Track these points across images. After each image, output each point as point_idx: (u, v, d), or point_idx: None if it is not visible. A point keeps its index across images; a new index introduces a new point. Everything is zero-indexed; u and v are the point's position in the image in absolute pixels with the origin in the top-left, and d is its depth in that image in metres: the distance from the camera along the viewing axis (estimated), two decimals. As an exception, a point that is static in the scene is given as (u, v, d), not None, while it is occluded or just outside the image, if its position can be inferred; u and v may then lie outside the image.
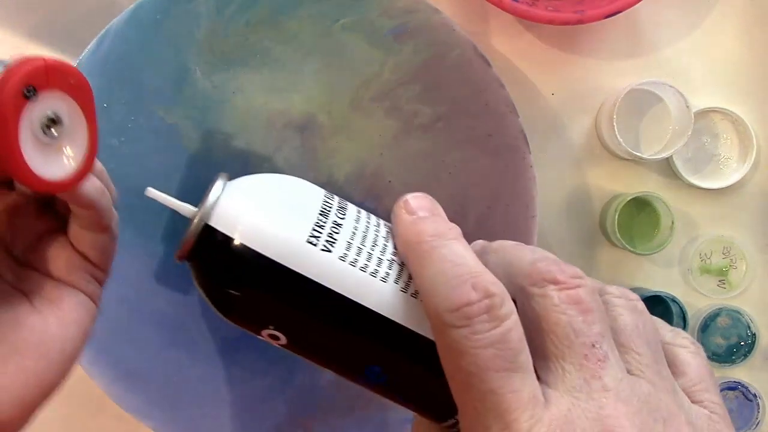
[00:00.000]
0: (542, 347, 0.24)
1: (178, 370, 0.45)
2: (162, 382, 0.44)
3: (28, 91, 0.25)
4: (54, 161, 0.27)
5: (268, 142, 0.45)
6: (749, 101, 0.51)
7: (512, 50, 0.50)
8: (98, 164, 0.30)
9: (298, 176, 0.46)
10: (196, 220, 0.25)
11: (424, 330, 0.25)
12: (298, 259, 0.25)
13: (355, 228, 0.26)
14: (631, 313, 0.25)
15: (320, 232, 0.25)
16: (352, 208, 0.27)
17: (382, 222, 0.27)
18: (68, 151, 0.27)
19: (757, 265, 0.51)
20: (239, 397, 0.45)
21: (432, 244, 0.25)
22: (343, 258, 0.25)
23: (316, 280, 0.25)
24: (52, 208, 0.32)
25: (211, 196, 0.26)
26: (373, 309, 0.25)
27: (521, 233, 0.44)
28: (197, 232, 0.25)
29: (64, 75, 0.27)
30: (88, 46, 0.43)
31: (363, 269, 0.25)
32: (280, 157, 0.46)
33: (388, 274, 0.25)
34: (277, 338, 0.26)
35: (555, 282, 0.24)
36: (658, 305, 0.50)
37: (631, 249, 0.48)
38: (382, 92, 0.45)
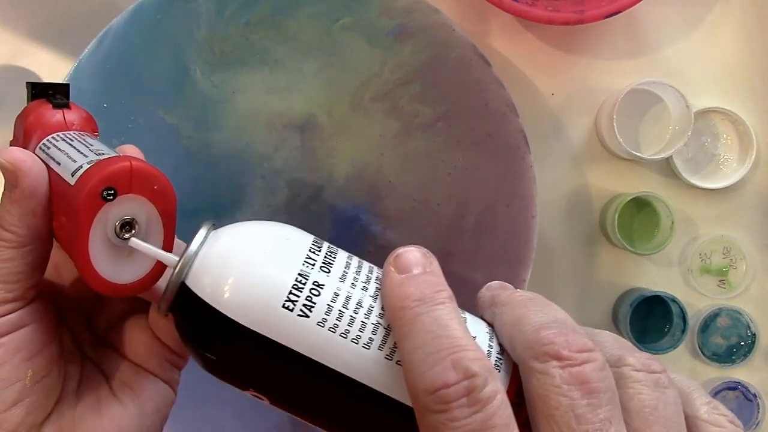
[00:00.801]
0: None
1: (178, 370, 0.45)
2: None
3: (108, 194, 0.24)
4: (124, 264, 0.26)
5: (268, 142, 0.45)
6: (749, 101, 0.51)
7: (512, 50, 0.50)
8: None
9: (298, 176, 0.47)
10: (173, 279, 0.24)
11: (408, 399, 0.23)
12: (273, 325, 0.23)
13: (339, 288, 0.23)
14: (652, 390, 0.22)
15: (298, 296, 0.23)
16: (340, 260, 0.25)
17: (374, 274, 0.25)
18: (139, 255, 0.26)
19: (757, 265, 0.51)
20: (239, 397, 0.45)
21: (415, 311, 0.22)
22: (321, 323, 0.23)
23: (292, 347, 0.23)
24: None
25: (190, 251, 0.24)
26: (353, 377, 0.23)
27: (521, 233, 0.44)
28: (174, 290, 0.24)
29: (149, 180, 0.25)
30: (88, 46, 0.43)
31: (343, 335, 0.23)
32: (280, 157, 0.46)
33: (371, 339, 0.23)
34: (261, 398, 0.25)
35: (558, 358, 0.21)
36: (658, 305, 0.50)
37: (631, 249, 0.48)
38: (382, 92, 0.45)
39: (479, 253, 0.45)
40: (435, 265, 0.24)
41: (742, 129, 0.50)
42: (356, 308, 0.23)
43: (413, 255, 0.24)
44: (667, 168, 0.51)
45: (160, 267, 0.26)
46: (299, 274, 0.23)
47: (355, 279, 0.24)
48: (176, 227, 0.29)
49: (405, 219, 0.46)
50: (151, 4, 0.43)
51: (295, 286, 0.23)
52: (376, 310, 0.23)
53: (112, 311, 0.31)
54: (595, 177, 0.51)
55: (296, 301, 0.23)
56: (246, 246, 0.24)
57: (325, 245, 0.25)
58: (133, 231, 0.25)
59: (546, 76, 0.50)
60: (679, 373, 0.24)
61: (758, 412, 0.50)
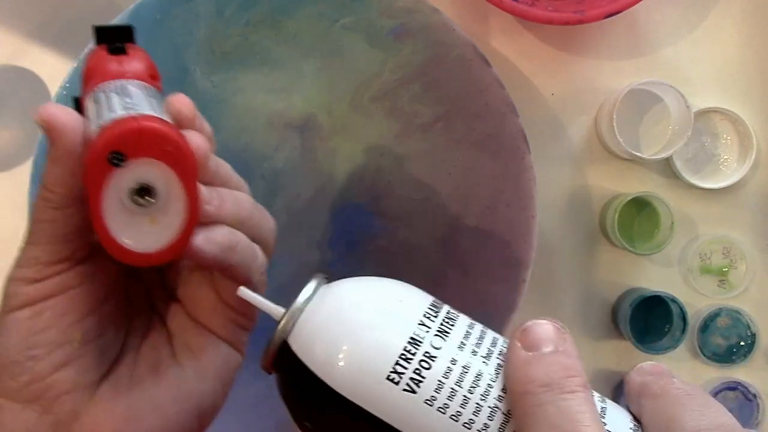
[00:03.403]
0: None
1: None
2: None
3: (115, 159, 0.23)
4: (147, 232, 0.24)
5: (268, 142, 0.45)
6: (749, 101, 0.51)
7: (512, 50, 0.50)
8: (243, 212, 0.28)
9: (298, 176, 0.47)
10: (276, 335, 0.22)
11: None
12: (374, 398, 0.21)
13: (454, 360, 0.21)
14: None
15: (406, 367, 0.20)
16: (460, 326, 0.22)
17: (498, 346, 0.22)
18: (162, 222, 0.25)
19: (757, 265, 0.51)
20: (239, 397, 0.45)
21: (540, 398, 0.19)
22: (430, 402, 0.20)
23: (395, 426, 0.21)
24: None
25: (295, 307, 0.23)
26: None
27: (521, 233, 0.44)
28: (275, 349, 0.22)
29: (160, 141, 0.24)
30: (88, 46, 0.43)
31: (454, 418, 0.20)
32: (280, 157, 0.46)
33: (486, 426, 0.20)
34: None
35: None
36: (658, 305, 0.50)
37: (631, 249, 0.48)
38: (382, 92, 0.45)
39: (479, 253, 0.45)
40: (569, 343, 0.21)
41: (742, 129, 0.50)
42: (472, 387, 0.21)
43: (544, 329, 0.21)
44: (667, 168, 0.51)
45: (186, 234, 0.25)
46: (409, 342, 0.21)
47: (475, 348, 0.21)
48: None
49: (405, 219, 0.46)
50: (151, 4, 0.43)
51: (403, 356, 0.21)
52: (495, 391, 0.21)
53: (181, 263, 0.30)
54: (595, 177, 0.51)
55: (403, 373, 0.21)
56: (359, 300, 0.22)
57: (445, 308, 0.23)
58: (153, 195, 0.24)
59: (546, 76, 0.50)
60: None
61: (758, 412, 0.50)
